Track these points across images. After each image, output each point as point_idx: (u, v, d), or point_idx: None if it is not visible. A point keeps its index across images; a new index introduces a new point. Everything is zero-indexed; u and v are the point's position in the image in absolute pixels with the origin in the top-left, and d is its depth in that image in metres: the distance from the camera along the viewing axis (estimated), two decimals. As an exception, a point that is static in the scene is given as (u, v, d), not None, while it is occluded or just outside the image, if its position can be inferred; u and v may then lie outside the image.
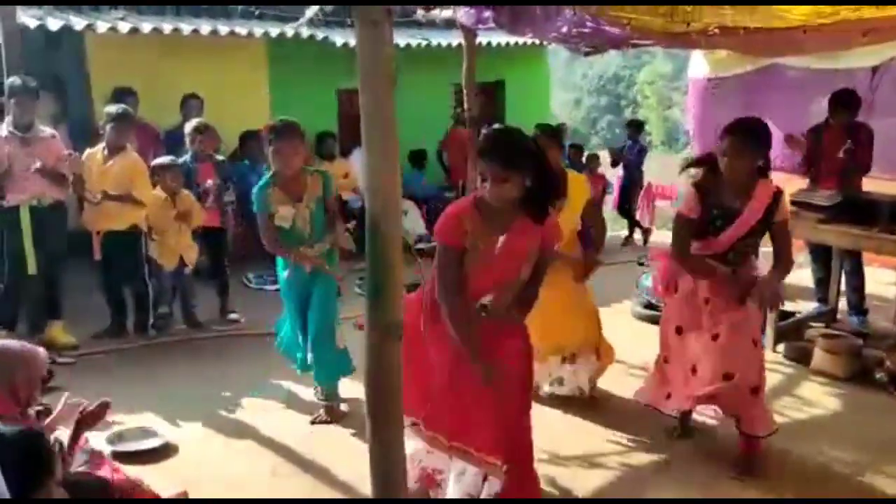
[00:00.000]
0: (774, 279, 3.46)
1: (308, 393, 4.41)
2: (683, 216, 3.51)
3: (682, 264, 3.56)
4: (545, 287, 3.09)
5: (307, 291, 4.07)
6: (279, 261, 4.18)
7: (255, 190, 4.03)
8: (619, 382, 4.54)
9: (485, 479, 2.96)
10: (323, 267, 4.03)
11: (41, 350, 2.68)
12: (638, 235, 9.28)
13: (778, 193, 3.44)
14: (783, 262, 3.51)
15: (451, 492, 2.99)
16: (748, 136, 3.36)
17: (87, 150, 5.28)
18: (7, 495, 1.78)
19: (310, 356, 4.12)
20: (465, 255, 2.86)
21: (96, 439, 3.59)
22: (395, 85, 2.06)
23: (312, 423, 4.08)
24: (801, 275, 6.28)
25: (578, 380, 4.30)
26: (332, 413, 4.12)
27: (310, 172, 4.10)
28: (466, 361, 2.83)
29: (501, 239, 2.87)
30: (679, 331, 3.65)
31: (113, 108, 5.24)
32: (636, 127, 9.71)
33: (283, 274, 4.13)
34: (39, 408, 2.82)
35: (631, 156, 9.12)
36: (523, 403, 3.03)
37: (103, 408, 2.80)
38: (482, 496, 2.95)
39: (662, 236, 9.48)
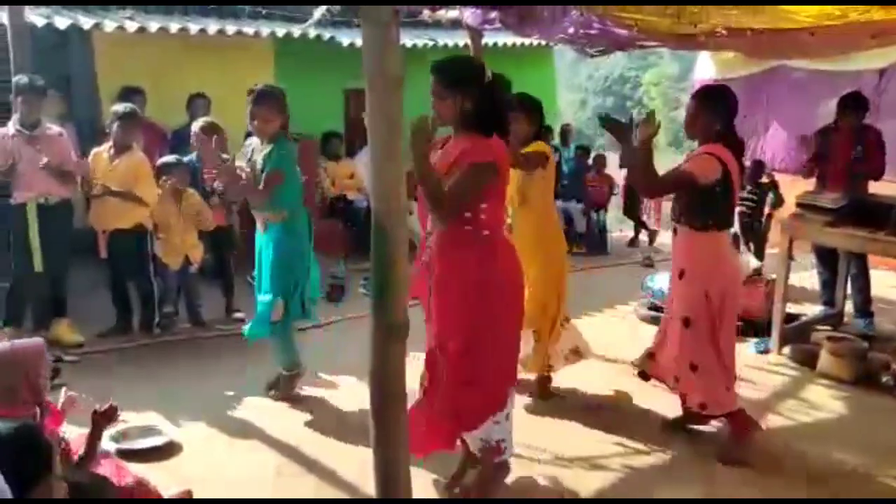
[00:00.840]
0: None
1: (313, 392, 4.42)
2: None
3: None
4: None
5: (259, 251, 4.29)
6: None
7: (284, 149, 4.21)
8: (623, 383, 4.53)
9: None
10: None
11: (37, 342, 2.68)
12: (644, 236, 9.26)
13: (701, 153, 3.53)
14: (654, 176, 3.69)
15: None
16: (705, 98, 3.63)
17: (94, 150, 5.30)
18: (7, 492, 1.78)
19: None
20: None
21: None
22: (401, 85, 2.07)
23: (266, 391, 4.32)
24: (807, 278, 6.27)
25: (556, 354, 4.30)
26: (292, 381, 4.32)
27: (278, 142, 4.13)
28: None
29: (437, 153, 2.97)
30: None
31: (120, 107, 5.25)
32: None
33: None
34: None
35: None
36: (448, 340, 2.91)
37: (114, 410, 2.81)
38: None
39: (669, 237, 9.48)
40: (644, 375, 3.97)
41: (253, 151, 4.25)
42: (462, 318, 2.88)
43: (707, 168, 3.47)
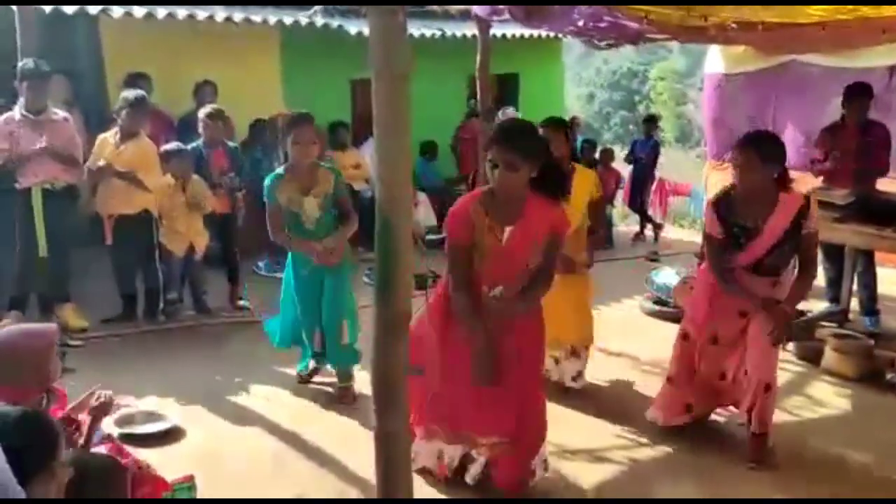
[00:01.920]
0: (787, 308, 3.43)
1: (317, 379, 4.43)
2: (711, 236, 3.55)
3: (720, 285, 3.53)
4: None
5: (319, 285, 4.12)
6: (290, 253, 4.22)
7: (267, 179, 4.09)
8: (627, 377, 4.53)
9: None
10: (327, 259, 4.03)
11: (50, 327, 2.68)
12: (649, 231, 9.23)
13: (805, 204, 3.38)
14: (807, 274, 3.50)
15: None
16: (759, 149, 3.32)
17: (100, 135, 5.30)
18: (11, 478, 1.77)
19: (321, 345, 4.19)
20: (474, 250, 2.92)
21: (105, 422, 3.61)
22: (409, 75, 2.05)
23: (338, 401, 4.19)
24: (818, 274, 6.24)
25: (562, 372, 4.35)
26: (344, 394, 4.20)
27: (323, 167, 4.14)
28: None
29: (508, 230, 2.93)
30: (714, 340, 3.63)
31: (131, 94, 5.24)
32: (651, 122, 9.64)
33: (292, 268, 4.19)
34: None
35: (644, 151, 9.06)
36: (536, 383, 3.23)
37: (109, 401, 2.80)
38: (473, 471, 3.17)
39: (675, 232, 9.46)
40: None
41: (293, 185, 4.01)
42: (534, 361, 3.20)
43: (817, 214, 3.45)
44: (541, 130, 4.10)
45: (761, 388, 3.44)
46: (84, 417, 2.76)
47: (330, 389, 4.32)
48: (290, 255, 4.22)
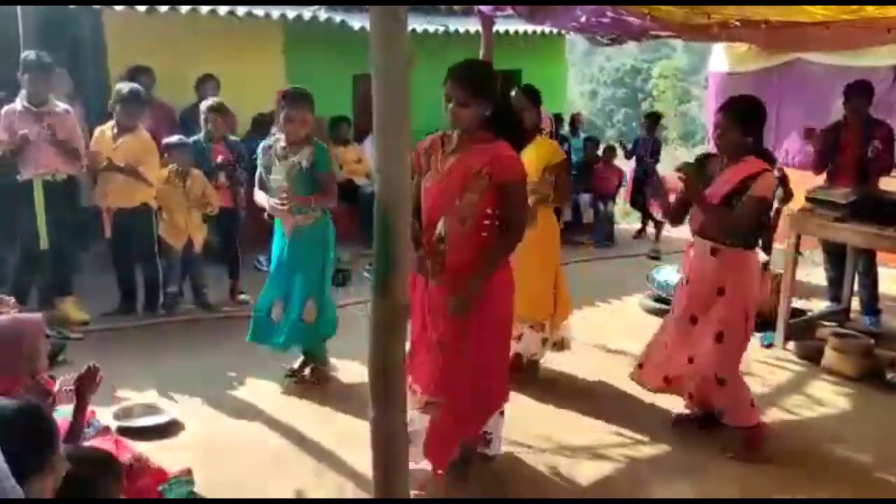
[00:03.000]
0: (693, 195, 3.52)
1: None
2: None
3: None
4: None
5: (292, 258, 4.18)
6: (275, 230, 4.28)
7: (260, 145, 4.26)
8: (626, 374, 4.52)
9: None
10: (280, 214, 4.11)
11: (36, 316, 2.68)
12: (651, 229, 9.21)
13: (759, 172, 3.43)
14: (730, 218, 3.46)
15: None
16: (736, 112, 3.47)
17: (98, 128, 5.29)
18: (8, 474, 1.76)
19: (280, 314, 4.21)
20: (422, 178, 3.06)
21: (103, 415, 3.62)
22: (410, 68, 2.05)
23: (286, 376, 4.30)
24: (814, 273, 6.23)
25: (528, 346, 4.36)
26: (318, 374, 4.26)
27: (312, 143, 4.15)
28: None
29: (451, 160, 3.02)
30: (693, 320, 3.68)
31: (124, 87, 5.23)
32: (653, 120, 9.62)
33: (273, 244, 4.28)
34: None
35: (645, 148, 9.04)
36: (485, 346, 3.09)
37: (94, 371, 2.76)
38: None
39: (676, 230, 9.43)
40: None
41: (277, 153, 4.14)
42: (479, 320, 3.02)
43: (772, 186, 3.52)
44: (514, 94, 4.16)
45: (711, 379, 3.52)
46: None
47: (330, 382, 4.32)
48: (276, 226, 4.27)
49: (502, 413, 3.36)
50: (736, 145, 3.47)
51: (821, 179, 5.59)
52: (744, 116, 3.47)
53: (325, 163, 4.15)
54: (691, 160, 3.86)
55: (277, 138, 4.18)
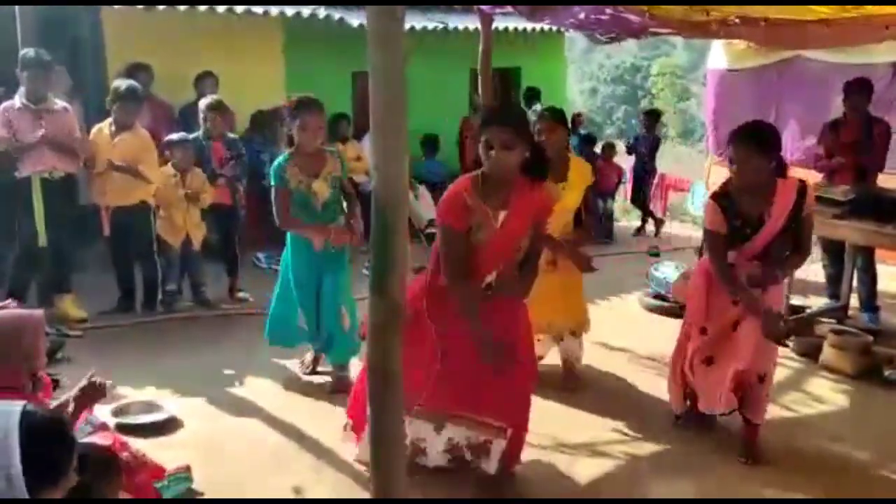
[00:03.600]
0: (775, 311, 3.39)
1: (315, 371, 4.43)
2: (712, 232, 3.49)
3: (720, 281, 3.48)
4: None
5: (319, 274, 4.13)
6: (289, 241, 4.20)
7: (273, 164, 4.11)
8: (626, 371, 4.53)
9: (486, 444, 3.11)
10: (343, 239, 4.08)
11: (34, 314, 2.67)
12: (651, 226, 9.22)
13: (802, 187, 3.39)
14: (801, 252, 3.49)
15: (435, 449, 3.13)
16: (753, 140, 3.31)
17: (96, 126, 5.29)
18: (23, 489, 1.72)
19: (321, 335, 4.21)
20: (471, 236, 2.92)
21: (101, 411, 3.62)
22: (406, 70, 2.04)
23: (330, 392, 4.20)
24: (813, 270, 6.23)
25: (567, 350, 4.40)
26: (342, 384, 4.19)
27: (328, 152, 4.15)
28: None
29: (503, 214, 2.95)
30: (704, 331, 3.61)
31: (122, 85, 5.22)
32: (652, 117, 9.63)
33: (291, 256, 4.19)
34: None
35: (644, 146, 9.05)
36: (530, 372, 3.26)
37: (102, 387, 2.75)
38: (485, 459, 3.12)
39: (675, 228, 9.44)
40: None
41: (303, 170, 4.01)
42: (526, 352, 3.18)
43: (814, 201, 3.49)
44: (535, 118, 4.20)
45: (754, 377, 3.44)
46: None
47: (329, 380, 4.32)
48: (288, 244, 4.21)
49: None
50: (766, 175, 3.33)
51: (820, 176, 5.59)
52: (767, 145, 3.31)
53: (346, 168, 4.19)
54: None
55: (291, 153, 4.04)
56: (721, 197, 3.46)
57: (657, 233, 9.08)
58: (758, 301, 3.38)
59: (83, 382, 2.67)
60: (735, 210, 3.40)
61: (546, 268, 3.78)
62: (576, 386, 4.34)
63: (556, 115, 4.21)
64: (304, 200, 4.05)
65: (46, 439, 1.79)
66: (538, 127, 4.09)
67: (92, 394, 2.69)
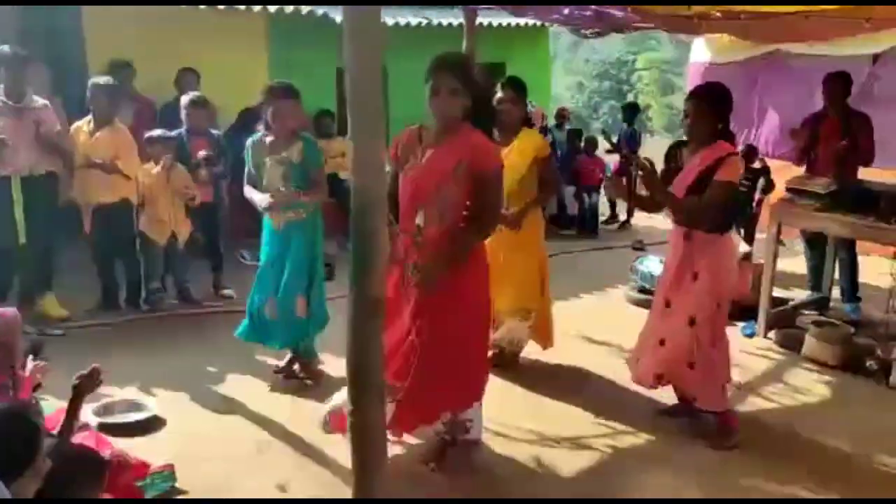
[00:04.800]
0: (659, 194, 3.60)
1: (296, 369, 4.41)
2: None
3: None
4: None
5: (281, 253, 4.15)
6: (264, 226, 4.23)
7: (247, 142, 4.21)
8: (612, 366, 4.54)
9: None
10: (274, 209, 4.06)
11: (9, 311, 2.65)
12: (635, 220, 9.26)
13: (726, 156, 3.46)
14: (704, 213, 3.47)
15: None
16: (706, 98, 3.52)
17: (75, 123, 5.24)
18: None
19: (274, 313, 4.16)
20: (400, 170, 3.07)
21: (83, 411, 3.59)
22: (381, 62, 2.04)
23: (275, 372, 4.29)
24: (795, 262, 6.28)
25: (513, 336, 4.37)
26: (308, 370, 4.23)
27: (302, 139, 4.13)
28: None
29: (430, 151, 3.03)
30: (667, 303, 3.71)
31: (100, 80, 5.19)
32: (631, 110, 9.68)
33: (263, 241, 4.24)
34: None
35: (625, 138, 9.13)
36: (452, 337, 3.08)
37: (97, 373, 2.75)
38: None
39: (660, 221, 9.45)
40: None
41: (266, 150, 4.09)
42: (456, 312, 3.03)
43: (737, 171, 3.52)
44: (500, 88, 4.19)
45: (683, 364, 3.55)
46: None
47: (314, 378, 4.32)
48: (265, 223, 4.24)
49: (480, 404, 3.35)
50: (708, 132, 3.49)
51: (801, 170, 5.62)
52: (715, 103, 3.51)
53: (314, 157, 4.12)
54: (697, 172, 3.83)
55: (265, 134, 4.13)
56: (671, 150, 3.73)
57: (628, 220, 9.15)
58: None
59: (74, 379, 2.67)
60: (676, 158, 3.64)
61: (496, 243, 3.68)
62: (514, 369, 4.36)
63: (518, 86, 4.24)
64: (257, 179, 4.16)
65: (6, 431, 1.81)
66: (500, 96, 4.12)
67: (89, 382, 2.68)
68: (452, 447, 3.35)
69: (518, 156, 4.10)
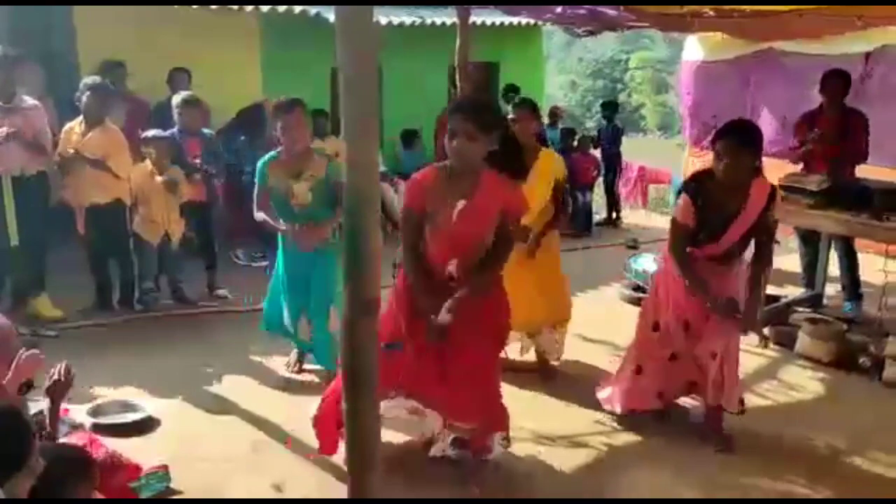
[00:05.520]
0: (754, 303, 3.50)
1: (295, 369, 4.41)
2: (679, 223, 3.50)
3: (680, 273, 3.51)
4: (516, 264, 3.24)
5: (307, 272, 4.12)
6: (280, 241, 4.22)
7: (260, 161, 4.15)
8: (605, 363, 4.55)
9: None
10: (304, 239, 4.03)
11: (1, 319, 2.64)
12: (626, 217, 9.30)
13: (773, 191, 3.45)
14: (764, 257, 3.55)
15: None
16: (743, 137, 3.34)
17: (67, 124, 5.22)
18: None
19: (308, 334, 4.20)
20: (426, 221, 2.99)
21: (77, 412, 3.59)
22: (376, 61, 2.03)
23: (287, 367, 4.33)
24: (789, 260, 6.30)
25: (543, 345, 4.43)
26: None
27: (317, 153, 4.13)
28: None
29: (461, 204, 2.95)
30: (656, 327, 3.68)
31: (90, 80, 5.17)
32: (610, 108, 9.74)
33: (281, 256, 4.22)
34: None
35: (605, 136, 9.18)
36: (491, 367, 3.20)
37: (67, 373, 2.71)
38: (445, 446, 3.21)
39: (654, 220, 9.49)
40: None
41: (282, 169, 4.03)
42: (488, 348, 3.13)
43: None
44: (511, 111, 4.22)
45: (718, 363, 3.50)
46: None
47: (314, 378, 4.31)
48: (279, 244, 4.24)
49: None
50: (750, 173, 3.36)
51: (794, 167, 5.63)
52: (753, 144, 3.34)
53: (338, 171, 4.07)
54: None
55: (277, 153, 4.09)
56: (695, 189, 3.45)
57: (615, 220, 9.18)
58: (714, 298, 3.42)
59: (48, 382, 2.65)
60: (708, 203, 3.40)
61: (519, 263, 3.77)
62: (553, 377, 4.38)
63: (529, 104, 4.29)
64: (282, 200, 4.07)
65: (3, 432, 1.81)
66: (513, 116, 4.14)
67: (61, 385, 2.66)
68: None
69: (540, 180, 4.13)
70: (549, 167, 4.20)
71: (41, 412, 2.74)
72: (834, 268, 5.67)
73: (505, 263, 3.11)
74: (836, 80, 5.32)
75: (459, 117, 2.89)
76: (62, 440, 2.79)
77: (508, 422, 3.30)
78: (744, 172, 3.33)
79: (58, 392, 2.66)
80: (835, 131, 5.29)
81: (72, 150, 5.03)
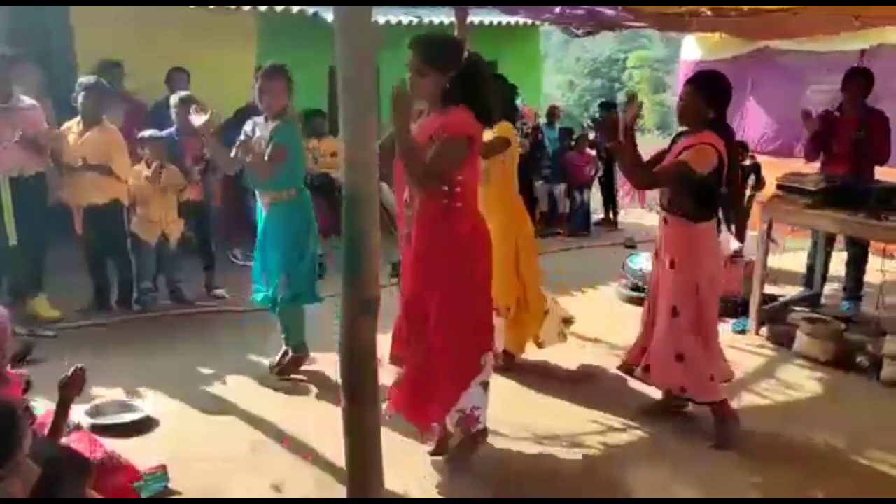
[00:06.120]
0: (631, 143, 3.57)
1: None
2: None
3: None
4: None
5: (264, 229, 4.23)
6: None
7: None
8: (602, 362, 4.56)
9: None
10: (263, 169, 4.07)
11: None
12: (622, 217, 9.30)
13: (699, 143, 3.44)
14: (649, 171, 3.62)
15: None
16: (702, 84, 3.52)
17: (64, 124, 5.21)
18: None
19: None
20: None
21: (76, 412, 3.58)
22: (374, 59, 2.04)
23: (270, 369, 4.33)
24: (789, 259, 6.31)
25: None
26: (297, 362, 4.29)
27: (283, 118, 4.14)
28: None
29: (414, 125, 2.98)
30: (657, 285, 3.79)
31: (85, 79, 5.16)
32: (607, 108, 9.73)
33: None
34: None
35: (601, 135, 9.15)
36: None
37: (80, 373, 2.72)
38: None
39: (651, 219, 9.50)
40: (629, 370, 3.95)
41: (255, 128, 4.22)
42: (439, 288, 2.99)
43: (705, 159, 3.43)
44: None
45: (671, 357, 3.55)
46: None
47: (305, 377, 4.31)
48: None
49: (486, 387, 3.23)
50: (696, 117, 3.49)
51: (792, 166, 5.63)
52: (709, 89, 3.50)
53: (282, 134, 4.09)
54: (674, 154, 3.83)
55: (258, 119, 4.23)
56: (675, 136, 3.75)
57: (613, 220, 9.17)
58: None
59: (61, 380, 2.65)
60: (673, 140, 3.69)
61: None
62: (511, 368, 4.38)
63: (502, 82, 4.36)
64: (243, 148, 4.20)
65: None
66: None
67: (73, 383, 2.66)
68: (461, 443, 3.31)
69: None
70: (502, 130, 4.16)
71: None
72: (834, 268, 5.67)
73: (411, 158, 2.92)
74: (859, 79, 5.22)
75: (411, 53, 2.94)
76: (61, 442, 2.78)
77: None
78: (690, 115, 3.51)
79: (72, 390, 2.65)
80: (854, 130, 5.19)
81: (80, 161, 5.03)
